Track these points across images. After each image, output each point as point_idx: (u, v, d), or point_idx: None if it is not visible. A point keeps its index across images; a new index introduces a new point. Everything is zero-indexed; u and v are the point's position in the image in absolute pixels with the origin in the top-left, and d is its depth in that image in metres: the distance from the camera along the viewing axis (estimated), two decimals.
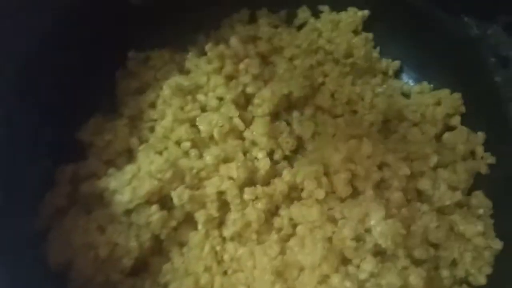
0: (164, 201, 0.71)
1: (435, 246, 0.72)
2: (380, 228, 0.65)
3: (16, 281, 0.59)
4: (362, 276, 0.65)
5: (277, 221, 0.73)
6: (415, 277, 0.65)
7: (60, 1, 0.76)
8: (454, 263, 0.73)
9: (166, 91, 0.80)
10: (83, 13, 0.80)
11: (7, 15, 0.67)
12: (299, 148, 0.83)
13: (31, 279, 0.63)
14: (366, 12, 0.96)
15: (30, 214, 0.70)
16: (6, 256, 0.60)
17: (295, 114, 0.86)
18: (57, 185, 0.73)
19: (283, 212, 0.74)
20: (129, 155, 0.78)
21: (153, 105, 0.83)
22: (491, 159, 0.82)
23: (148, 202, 0.69)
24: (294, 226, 0.72)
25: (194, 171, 0.72)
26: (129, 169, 0.70)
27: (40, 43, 0.74)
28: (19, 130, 0.70)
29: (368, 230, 0.67)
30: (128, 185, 0.68)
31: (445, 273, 0.72)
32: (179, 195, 0.69)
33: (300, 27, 0.98)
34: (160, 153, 0.74)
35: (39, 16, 0.72)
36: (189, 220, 0.72)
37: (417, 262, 0.69)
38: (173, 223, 0.70)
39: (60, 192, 0.72)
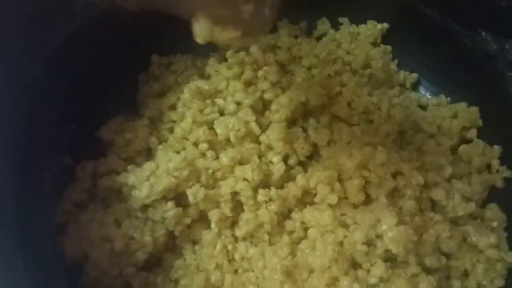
0: (179, 199, 0.73)
1: (447, 255, 0.72)
2: (392, 234, 0.65)
3: (32, 273, 0.60)
4: (372, 280, 0.65)
5: (289, 224, 0.74)
6: (425, 284, 0.65)
7: (91, 5, 0.80)
8: (465, 274, 0.72)
9: (186, 94, 0.83)
10: (111, 17, 0.83)
11: (34, 13, 0.70)
12: (314, 154, 0.84)
13: (47, 270, 0.64)
14: (385, 25, 0.97)
15: (49, 208, 0.72)
16: (23, 248, 0.61)
17: (312, 121, 0.87)
18: (77, 180, 0.76)
19: (295, 215, 0.75)
20: (148, 154, 0.80)
21: (173, 107, 0.85)
22: (507, 173, 0.82)
23: (164, 199, 0.71)
24: (306, 229, 0.73)
25: (210, 171, 0.74)
26: (148, 166, 0.72)
27: (66, 43, 0.77)
28: (41, 126, 0.73)
29: (379, 236, 0.68)
30: (146, 181, 0.70)
31: (456, 283, 0.71)
32: (194, 194, 0.70)
33: (319, 38, 1.00)
34: (178, 152, 0.76)
35: (66, 17, 0.75)
36: (203, 219, 0.74)
37: (428, 270, 0.69)
38: (187, 220, 0.72)
39: (80, 187, 0.75)
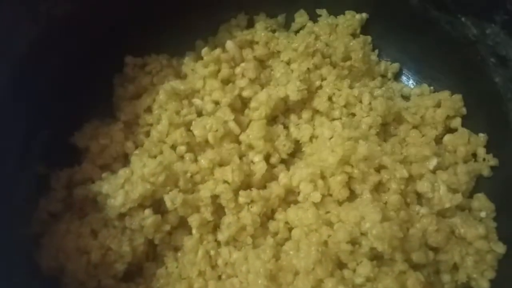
0: (158, 205, 0.71)
1: (435, 250, 0.70)
2: (376, 231, 0.63)
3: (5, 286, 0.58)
4: (358, 280, 0.63)
5: (272, 225, 0.72)
6: (413, 281, 0.63)
7: (56, 6, 0.76)
8: (455, 268, 0.71)
9: (161, 95, 0.80)
10: (81, 18, 0.80)
11: (1, 17, 0.67)
12: (296, 151, 0.83)
13: (24, 284, 0.62)
14: (364, 15, 0.95)
15: (24, 219, 0.70)
16: None
17: (293, 117, 0.85)
18: (52, 190, 0.73)
19: (279, 215, 0.73)
20: (125, 160, 0.78)
21: (149, 110, 0.83)
22: (494, 161, 0.81)
23: (141, 206, 0.69)
24: (290, 229, 0.71)
25: (188, 174, 0.72)
26: (122, 173, 0.69)
27: (35, 46, 0.74)
28: (12, 135, 0.70)
29: (364, 234, 0.66)
30: (120, 189, 0.68)
31: (446, 277, 0.70)
32: (172, 199, 0.68)
33: (298, 32, 0.97)
34: (155, 157, 0.74)
35: (34, 20, 0.72)
36: (183, 225, 0.71)
37: (416, 267, 0.67)
38: (167, 227, 0.69)
39: (55, 198, 0.72)
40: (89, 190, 0.70)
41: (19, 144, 0.71)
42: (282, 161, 0.81)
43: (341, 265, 0.66)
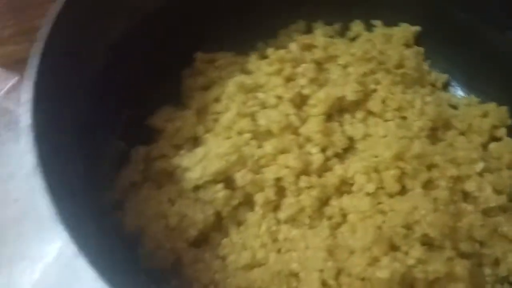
0: (227, 182, 0.78)
1: (480, 243, 0.76)
2: (430, 218, 0.69)
3: (96, 246, 0.66)
4: (410, 262, 0.69)
5: (328, 210, 0.78)
6: (461, 267, 0.69)
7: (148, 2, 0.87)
8: (496, 262, 0.76)
9: (231, 87, 0.88)
10: (164, 17, 0.90)
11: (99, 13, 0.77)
12: (350, 148, 0.89)
13: (108, 243, 0.70)
14: (417, 28, 1.02)
15: (108, 187, 0.78)
16: (92, 218, 0.67)
17: (347, 116, 0.92)
18: (131, 163, 0.82)
19: (334, 202, 0.79)
20: (195, 142, 0.85)
21: (217, 100, 0.90)
22: None
23: (214, 181, 0.76)
24: (344, 215, 0.77)
25: (255, 157, 0.79)
26: (200, 150, 0.78)
27: (124, 38, 0.84)
28: (101, 111, 0.79)
29: (417, 221, 0.71)
30: (199, 163, 0.76)
31: (487, 270, 0.75)
32: (242, 177, 0.75)
33: (353, 40, 1.04)
34: (226, 139, 0.81)
35: (129, 14, 0.84)
36: (248, 202, 0.78)
37: (462, 255, 0.73)
38: (235, 201, 0.76)
39: (134, 169, 0.81)
40: (169, 163, 0.78)
41: (107, 120, 0.80)
42: (337, 155, 0.87)
43: (394, 248, 0.72)
